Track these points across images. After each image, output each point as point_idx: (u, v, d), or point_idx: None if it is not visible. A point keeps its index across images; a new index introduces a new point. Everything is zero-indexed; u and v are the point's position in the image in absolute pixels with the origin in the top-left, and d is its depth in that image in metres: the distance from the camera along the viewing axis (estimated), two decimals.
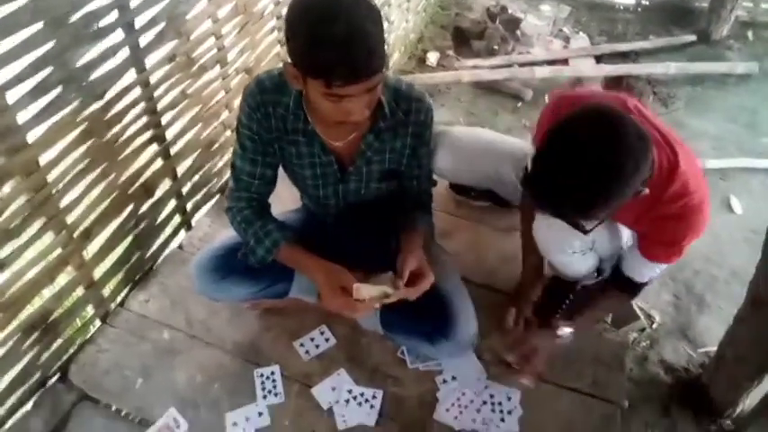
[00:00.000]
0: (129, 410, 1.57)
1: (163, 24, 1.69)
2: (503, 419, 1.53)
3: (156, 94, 1.74)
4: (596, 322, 1.73)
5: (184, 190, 2.03)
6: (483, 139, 1.85)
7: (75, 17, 1.40)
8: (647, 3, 4.31)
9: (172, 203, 1.99)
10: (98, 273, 1.74)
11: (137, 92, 1.68)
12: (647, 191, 1.19)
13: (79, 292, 1.70)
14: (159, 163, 1.87)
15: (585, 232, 1.26)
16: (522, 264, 1.75)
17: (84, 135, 1.54)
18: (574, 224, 1.23)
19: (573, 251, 1.53)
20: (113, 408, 1.58)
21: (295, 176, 1.53)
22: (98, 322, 1.78)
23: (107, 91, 1.57)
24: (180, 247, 2.01)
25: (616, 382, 1.64)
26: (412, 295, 1.38)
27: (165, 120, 1.82)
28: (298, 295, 1.65)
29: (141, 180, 1.81)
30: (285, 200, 1.70)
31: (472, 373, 1.62)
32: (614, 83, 3.52)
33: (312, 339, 1.70)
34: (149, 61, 1.69)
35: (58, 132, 1.46)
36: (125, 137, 1.69)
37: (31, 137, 1.38)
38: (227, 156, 2.21)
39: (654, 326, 2.07)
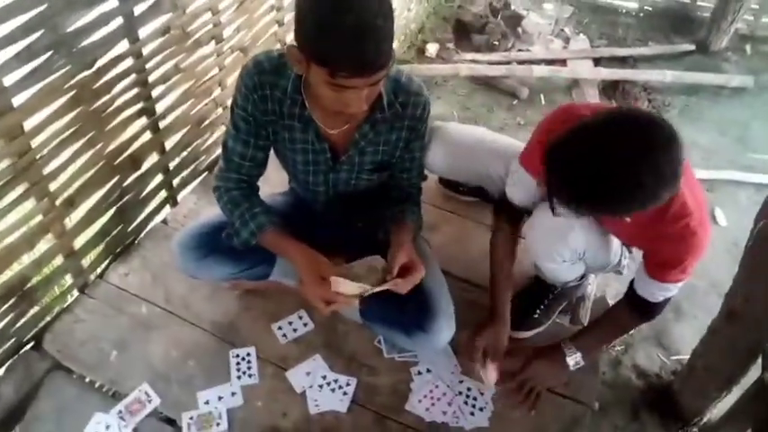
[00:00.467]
0: (102, 382, 1.57)
1: None
2: (473, 413, 1.54)
3: (147, 66, 1.72)
4: (604, 345, 1.62)
5: (172, 165, 2.01)
6: (477, 137, 1.84)
7: None
8: (650, 9, 4.31)
9: (158, 178, 1.98)
10: (79, 242, 1.73)
11: (128, 62, 1.66)
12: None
13: (59, 260, 1.69)
14: (148, 136, 1.85)
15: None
16: (492, 287, 1.60)
17: (71, 102, 1.52)
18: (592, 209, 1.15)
19: (563, 260, 1.51)
20: (87, 379, 1.58)
21: (286, 161, 1.52)
22: (76, 292, 1.77)
23: (98, 59, 1.55)
24: (164, 222, 2.00)
25: (588, 384, 1.66)
26: (402, 289, 1.38)
27: (155, 93, 1.80)
28: (279, 278, 1.65)
29: (128, 152, 1.79)
30: (274, 182, 1.69)
31: (447, 365, 1.64)
32: (610, 88, 3.53)
33: (290, 323, 1.71)
34: (143, 32, 1.66)
35: (44, 98, 1.43)
36: (114, 107, 1.66)
37: (17, 101, 1.36)
38: (218, 133, 2.19)
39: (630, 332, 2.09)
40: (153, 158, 1.92)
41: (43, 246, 1.62)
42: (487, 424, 1.53)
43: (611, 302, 1.81)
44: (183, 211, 2.04)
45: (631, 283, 1.46)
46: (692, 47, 3.90)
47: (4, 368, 1.60)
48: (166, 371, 1.59)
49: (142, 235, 1.96)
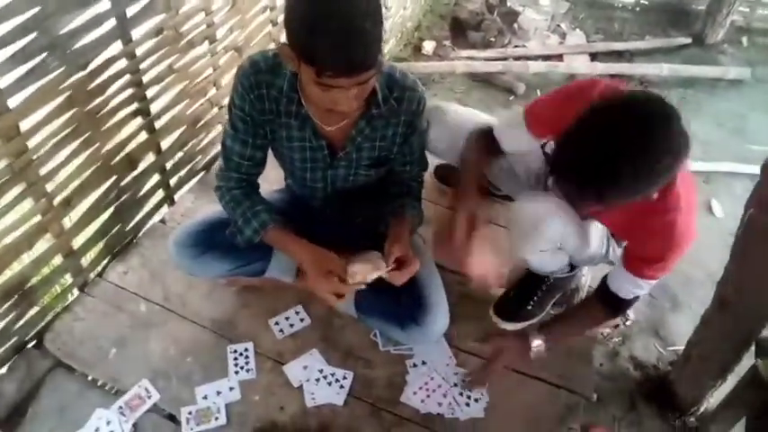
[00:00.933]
0: (102, 379, 1.59)
1: None
2: (468, 404, 1.55)
3: (141, 66, 1.74)
4: (570, 336, 1.64)
5: (168, 165, 2.03)
6: (479, 119, 1.83)
7: None
8: (646, 2, 4.31)
9: (155, 178, 1.99)
10: (78, 242, 1.75)
11: (122, 63, 1.67)
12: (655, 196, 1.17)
13: (58, 260, 1.71)
14: (144, 136, 1.87)
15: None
16: (462, 165, 1.60)
17: (66, 103, 1.54)
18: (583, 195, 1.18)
19: (540, 249, 1.51)
20: (88, 376, 1.60)
21: (283, 159, 1.54)
22: (76, 291, 1.79)
23: (91, 61, 1.57)
24: (162, 221, 2.02)
25: (583, 375, 1.67)
26: (397, 281, 1.40)
27: (150, 93, 1.81)
28: (275, 275, 1.67)
29: (125, 152, 1.81)
30: (271, 180, 1.70)
31: (442, 358, 1.65)
32: None
33: (287, 319, 1.72)
34: (136, 33, 1.68)
35: (40, 99, 1.45)
36: (109, 108, 1.68)
37: (12, 103, 1.38)
38: (213, 133, 2.21)
39: (627, 323, 2.10)
40: (149, 158, 1.94)
41: (42, 245, 1.64)
42: (483, 415, 1.55)
43: None
44: (181, 210, 2.05)
45: (604, 278, 1.49)
46: (689, 40, 3.90)
47: (6, 367, 1.62)
48: (165, 367, 1.61)
49: (141, 234, 1.98)
